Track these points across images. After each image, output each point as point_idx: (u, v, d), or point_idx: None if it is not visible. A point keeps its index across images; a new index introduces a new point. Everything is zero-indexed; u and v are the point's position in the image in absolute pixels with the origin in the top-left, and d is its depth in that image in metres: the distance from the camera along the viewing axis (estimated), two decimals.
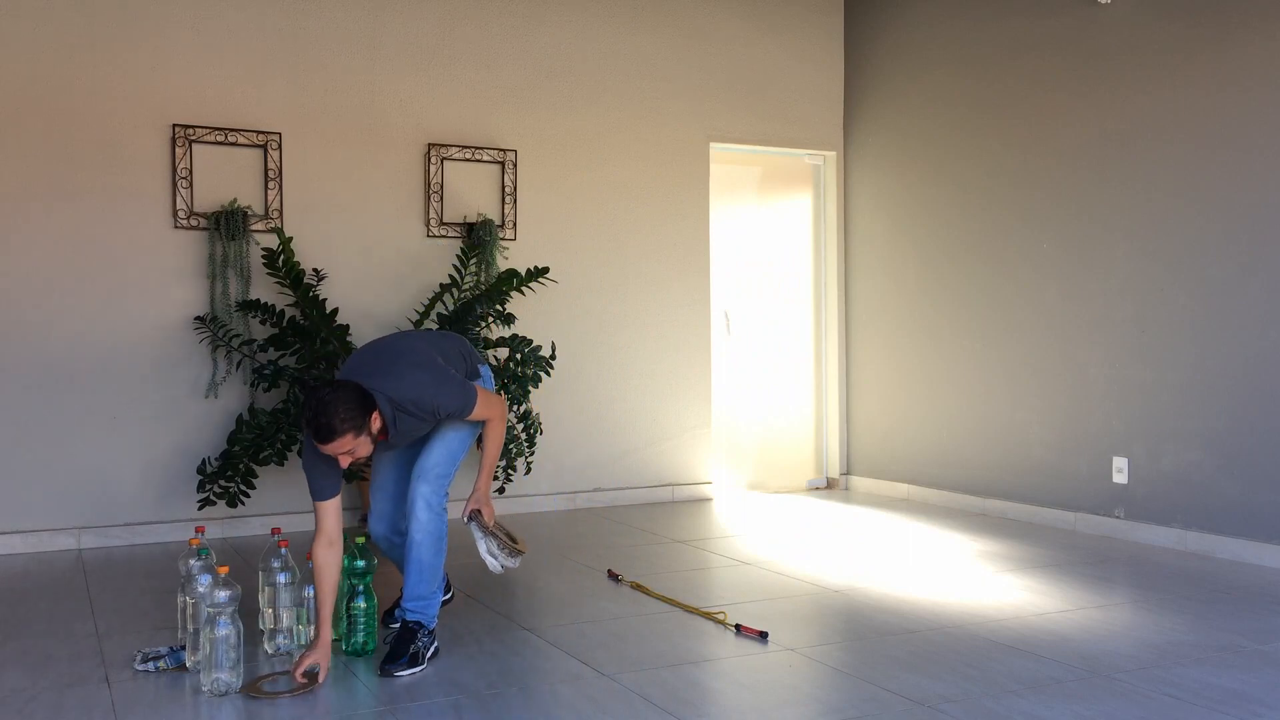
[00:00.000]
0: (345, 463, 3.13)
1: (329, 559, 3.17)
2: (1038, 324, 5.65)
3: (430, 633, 3.34)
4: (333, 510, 3.20)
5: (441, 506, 3.38)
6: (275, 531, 3.71)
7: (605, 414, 6.27)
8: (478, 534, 3.39)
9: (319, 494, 3.20)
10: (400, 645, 3.26)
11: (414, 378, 3.22)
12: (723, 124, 6.58)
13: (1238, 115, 4.77)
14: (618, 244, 6.31)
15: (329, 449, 3.05)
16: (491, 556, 3.39)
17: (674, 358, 6.46)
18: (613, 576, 4.45)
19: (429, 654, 3.31)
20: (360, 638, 3.39)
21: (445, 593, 3.79)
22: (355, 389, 3.08)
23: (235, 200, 5.38)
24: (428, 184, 5.81)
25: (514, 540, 3.50)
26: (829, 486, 6.95)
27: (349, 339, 5.34)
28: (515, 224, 6.01)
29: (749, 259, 6.83)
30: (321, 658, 3.13)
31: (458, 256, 5.76)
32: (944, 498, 6.19)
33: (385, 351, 3.31)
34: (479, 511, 3.41)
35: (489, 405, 3.37)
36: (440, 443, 3.41)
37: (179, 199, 5.29)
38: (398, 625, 3.48)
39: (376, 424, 3.13)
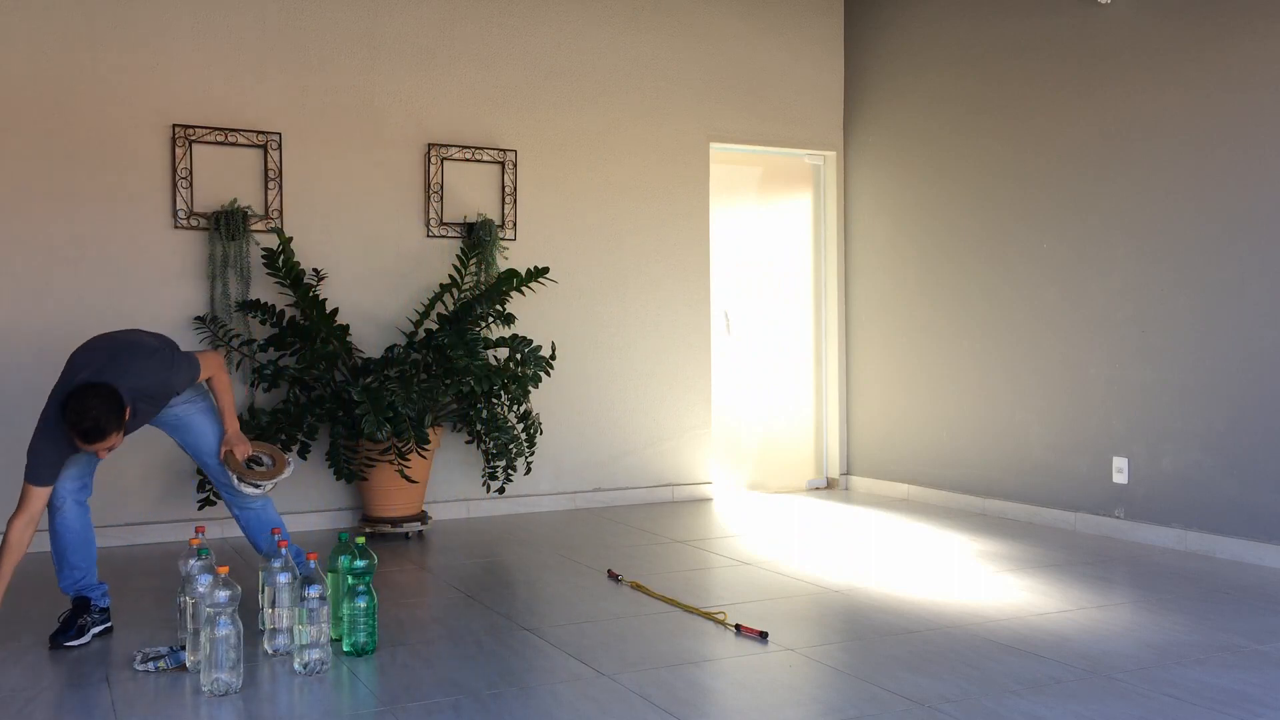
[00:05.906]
0: (105, 456, 3.45)
1: (28, 539, 3.44)
2: (1038, 324, 5.65)
3: None
4: (46, 497, 3.52)
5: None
6: (275, 532, 3.72)
7: (605, 414, 6.27)
8: (234, 477, 3.78)
9: (47, 480, 3.48)
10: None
11: (150, 367, 3.55)
12: (723, 124, 6.58)
13: (1238, 115, 4.77)
14: (618, 244, 6.30)
15: (98, 446, 3.37)
16: (253, 490, 3.81)
17: (674, 358, 6.46)
18: (613, 576, 4.45)
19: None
20: (361, 637, 3.38)
21: (106, 621, 3.71)
22: (111, 390, 3.36)
23: (235, 200, 5.38)
24: (428, 184, 5.81)
25: (274, 462, 3.89)
26: (829, 486, 6.95)
27: (349, 339, 5.34)
28: (515, 224, 6.01)
29: (749, 259, 6.83)
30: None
31: (458, 256, 5.76)
32: (944, 498, 6.19)
33: (117, 349, 3.58)
34: (231, 453, 3.80)
35: (208, 364, 3.77)
36: (215, 440, 3.82)
37: (179, 199, 5.29)
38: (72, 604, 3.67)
39: (127, 415, 3.42)
